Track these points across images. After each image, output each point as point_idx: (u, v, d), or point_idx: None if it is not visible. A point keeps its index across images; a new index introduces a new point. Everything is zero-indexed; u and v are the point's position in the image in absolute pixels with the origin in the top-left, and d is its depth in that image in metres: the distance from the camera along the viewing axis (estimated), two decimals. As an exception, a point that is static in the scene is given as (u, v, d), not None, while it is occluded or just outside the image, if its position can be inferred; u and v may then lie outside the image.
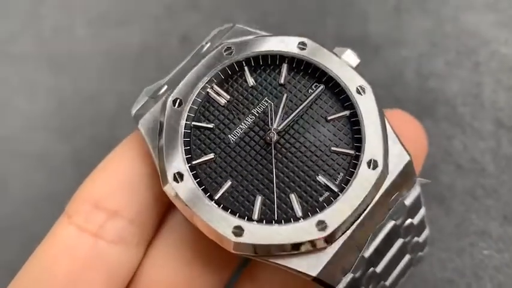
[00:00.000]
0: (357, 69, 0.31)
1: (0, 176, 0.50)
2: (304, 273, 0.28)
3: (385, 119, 0.29)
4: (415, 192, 0.30)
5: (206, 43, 0.32)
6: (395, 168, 0.29)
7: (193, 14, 0.52)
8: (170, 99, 0.29)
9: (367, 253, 0.29)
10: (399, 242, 0.30)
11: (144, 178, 0.30)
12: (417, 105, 0.45)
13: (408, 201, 0.30)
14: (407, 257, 0.31)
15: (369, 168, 0.28)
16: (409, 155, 0.29)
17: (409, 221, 0.31)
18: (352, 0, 0.49)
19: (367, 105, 0.29)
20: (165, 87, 0.31)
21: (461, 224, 0.42)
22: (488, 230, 0.41)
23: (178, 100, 0.30)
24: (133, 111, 0.31)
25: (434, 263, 0.42)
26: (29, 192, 0.49)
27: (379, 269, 0.30)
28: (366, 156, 0.28)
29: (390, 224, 0.29)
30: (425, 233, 0.32)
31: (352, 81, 0.30)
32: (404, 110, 0.45)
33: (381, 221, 0.29)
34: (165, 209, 0.32)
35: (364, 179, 0.28)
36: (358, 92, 0.29)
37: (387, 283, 0.31)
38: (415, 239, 0.31)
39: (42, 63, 0.53)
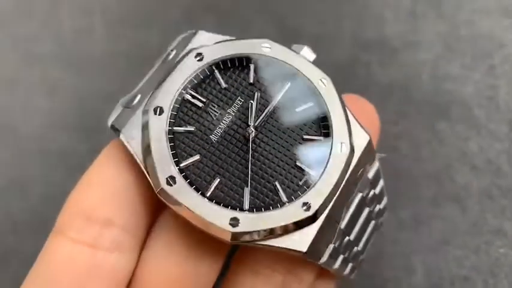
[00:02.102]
0: (314, 63, 0.34)
1: (21, 173, 0.51)
2: (295, 250, 0.31)
3: (345, 105, 0.33)
4: (375, 166, 0.34)
5: (172, 50, 0.34)
6: (358, 147, 0.33)
7: (211, 17, 0.53)
8: (151, 108, 0.31)
9: (343, 224, 0.33)
10: (366, 211, 0.35)
11: (130, 184, 0.31)
12: (433, 107, 0.46)
13: (370, 175, 0.34)
14: (372, 223, 0.36)
15: (339, 151, 0.32)
16: (368, 134, 0.33)
17: (372, 192, 0.35)
18: (369, 4, 0.50)
19: (329, 95, 0.33)
20: (139, 96, 0.32)
21: (477, 222, 0.43)
22: (504, 229, 0.42)
23: (159, 108, 0.31)
24: (110, 122, 0.32)
25: (450, 260, 0.43)
26: (49, 190, 0.50)
27: (352, 236, 0.34)
28: (335, 141, 0.32)
29: (358, 196, 0.34)
30: (385, 200, 0.37)
31: (314, 74, 0.33)
32: (421, 111, 0.46)
33: (351, 194, 0.33)
34: (154, 211, 0.33)
35: (336, 160, 0.32)
36: (322, 83, 0.33)
37: (359, 248, 0.36)
38: (377, 206, 0.36)
39: (62, 63, 0.54)
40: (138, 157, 0.31)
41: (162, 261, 0.31)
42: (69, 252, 0.30)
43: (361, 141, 0.33)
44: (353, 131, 0.33)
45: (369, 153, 0.33)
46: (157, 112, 0.31)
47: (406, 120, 0.47)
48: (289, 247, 0.31)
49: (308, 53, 0.34)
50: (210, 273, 0.32)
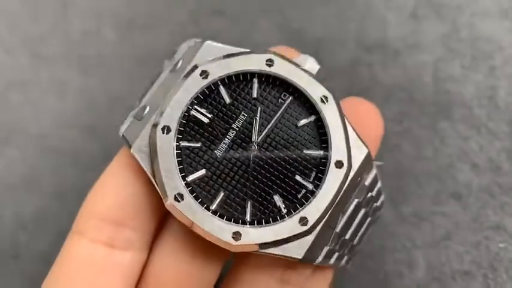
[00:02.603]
0: (318, 75, 0.35)
1: (33, 172, 0.52)
2: (291, 257, 0.33)
3: (345, 120, 0.34)
4: (372, 173, 0.36)
5: (179, 60, 0.35)
6: (357, 160, 0.34)
7: (218, 19, 0.54)
8: (160, 127, 0.33)
9: (338, 228, 0.34)
10: (362, 212, 0.36)
11: (140, 192, 0.34)
12: (435, 107, 0.47)
13: (368, 182, 0.35)
14: (369, 219, 0.37)
15: (337, 167, 0.33)
16: (367, 148, 0.34)
17: (369, 194, 0.36)
18: (371, 7, 0.51)
19: (330, 112, 0.33)
20: (148, 108, 0.34)
21: (478, 219, 0.44)
22: (503, 224, 0.43)
23: (166, 128, 0.33)
24: (121, 132, 0.34)
25: (451, 255, 0.44)
26: (61, 188, 0.51)
27: (347, 236, 0.36)
28: (333, 159, 0.33)
29: (354, 202, 0.35)
30: (381, 198, 0.38)
31: (315, 91, 0.34)
32: (423, 111, 0.47)
33: (348, 202, 0.34)
34: (161, 214, 0.35)
35: (334, 176, 0.33)
36: (322, 101, 0.33)
37: (354, 242, 0.37)
38: (374, 205, 0.37)
39: (71, 64, 0.55)
40: (148, 170, 0.33)
41: (170, 261, 0.34)
42: (88, 250, 0.33)
43: (359, 154, 0.34)
44: (352, 145, 0.34)
45: (366, 164, 0.34)
46: (165, 131, 0.33)
47: (408, 119, 0.48)
48: (285, 254, 0.33)
49: (312, 64, 0.35)
50: (214, 271, 0.35)
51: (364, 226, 0.37)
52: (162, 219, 0.35)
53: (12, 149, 0.53)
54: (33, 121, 0.53)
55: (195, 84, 0.33)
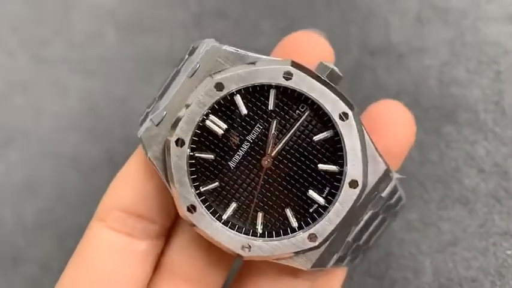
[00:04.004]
0: (340, 86, 0.33)
1: (34, 175, 0.52)
2: (300, 268, 0.33)
3: (366, 135, 0.33)
4: (391, 185, 0.35)
5: (197, 64, 0.34)
6: (373, 177, 0.33)
7: (221, 21, 0.54)
8: (173, 139, 0.32)
9: (350, 238, 0.34)
10: (379, 218, 0.35)
11: (156, 189, 0.35)
12: (440, 111, 0.47)
13: (385, 193, 0.34)
14: (385, 223, 0.37)
15: (351, 187, 0.32)
16: (385, 164, 0.33)
17: (386, 203, 0.35)
18: (375, 11, 0.51)
19: (348, 130, 0.32)
20: (165, 113, 0.34)
21: (484, 224, 0.44)
22: (511, 231, 0.43)
23: (180, 140, 0.32)
24: (139, 134, 0.34)
25: (458, 261, 0.43)
26: (62, 191, 0.51)
27: (361, 241, 0.35)
28: (347, 178, 0.32)
29: (369, 213, 0.34)
30: (402, 202, 0.37)
31: (334, 108, 0.32)
32: (428, 115, 0.47)
33: (362, 215, 0.34)
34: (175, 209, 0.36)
35: (347, 195, 0.32)
36: (341, 118, 0.32)
37: (369, 244, 0.36)
38: (393, 210, 0.36)
39: (73, 67, 0.54)
40: (162, 177, 0.33)
41: (184, 253, 0.36)
42: (111, 238, 0.35)
43: (376, 172, 0.33)
44: (370, 162, 0.33)
45: (384, 180, 0.34)
46: (179, 144, 0.32)
47: (413, 124, 0.47)
48: (293, 265, 0.33)
49: (334, 75, 0.33)
50: (225, 266, 0.36)
51: (381, 229, 0.37)
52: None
53: (13, 152, 0.52)
54: (34, 123, 0.53)
55: (210, 96, 0.33)
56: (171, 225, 0.37)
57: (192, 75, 0.33)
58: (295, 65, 0.32)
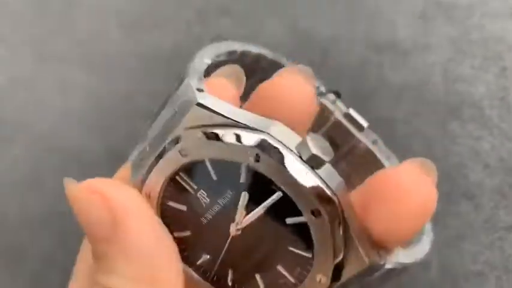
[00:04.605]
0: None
1: (37, 171, 0.52)
2: None
3: (350, 224, 0.28)
4: (382, 271, 0.29)
5: (175, 108, 0.31)
6: (352, 269, 0.28)
7: (225, 19, 0.54)
8: (144, 192, 0.30)
9: None
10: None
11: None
12: (445, 107, 0.47)
13: (376, 277, 0.30)
14: None
15: (320, 282, 0.29)
16: (368, 260, 0.28)
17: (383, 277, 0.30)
18: (380, 8, 0.51)
19: (320, 226, 0.28)
20: (148, 148, 0.31)
21: (490, 219, 0.44)
22: (516, 225, 0.43)
23: (150, 193, 0.30)
24: (130, 160, 0.32)
25: (465, 256, 0.43)
26: (63, 187, 0.51)
27: None
28: (316, 272, 0.29)
29: None
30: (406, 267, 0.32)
31: (306, 204, 0.27)
32: (433, 111, 0.47)
33: None
34: None
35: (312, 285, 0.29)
36: (313, 214, 0.27)
37: None
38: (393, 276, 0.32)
39: (76, 63, 0.55)
40: None
41: None
42: None
43: (352, 269, 0.28)
44: (351, 253, 0.28)
45: (369, 271, 0.28)
46: (149, 196, 0.30)
47: (418, 119, 0.48)
48: None
49: (318, 155, 0.26)
50: None
51: None
52: None
53: (17, 148, 0.52)
54: (37, 120, 0.53)
55: (175, 159, 0.29)
56: None
57: (173, 117, 0.30)
58: (272, 139, 0.27)
